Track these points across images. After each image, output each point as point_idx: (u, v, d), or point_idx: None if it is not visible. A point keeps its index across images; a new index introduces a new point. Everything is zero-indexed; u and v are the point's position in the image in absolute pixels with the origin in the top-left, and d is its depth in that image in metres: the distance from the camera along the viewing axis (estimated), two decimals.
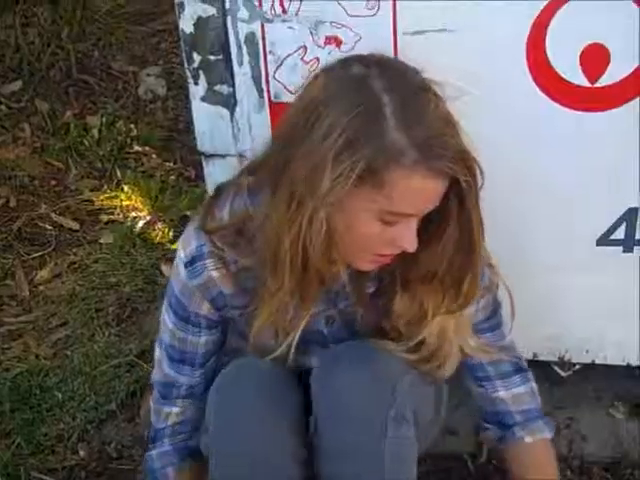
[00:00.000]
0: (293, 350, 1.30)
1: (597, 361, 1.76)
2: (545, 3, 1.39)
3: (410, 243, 1.17)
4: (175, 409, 1.47)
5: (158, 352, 1.47)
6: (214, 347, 1.43)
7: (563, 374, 1.79)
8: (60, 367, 2.01)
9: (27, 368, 2.02)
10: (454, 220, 1.19)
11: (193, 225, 1.31)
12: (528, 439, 1.47)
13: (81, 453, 1.83)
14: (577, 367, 1.78)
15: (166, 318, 1.40)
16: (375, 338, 1.35)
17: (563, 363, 1.78)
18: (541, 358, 1.77)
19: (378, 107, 1.09)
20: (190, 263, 1.30)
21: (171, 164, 2.74)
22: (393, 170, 1.09)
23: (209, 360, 1.44)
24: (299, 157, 1.12)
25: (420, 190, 1.12)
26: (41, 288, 2.30)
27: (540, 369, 1.79)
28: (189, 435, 1.49)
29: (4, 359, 2.06)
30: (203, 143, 1.62)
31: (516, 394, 1.47)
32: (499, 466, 1.73)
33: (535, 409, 1.49)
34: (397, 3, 1.40)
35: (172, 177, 2.67)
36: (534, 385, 1.51)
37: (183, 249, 1.31)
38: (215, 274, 1.30)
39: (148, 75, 3.14)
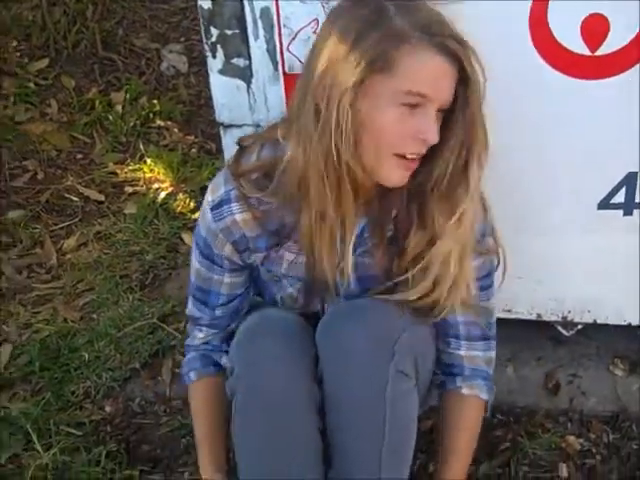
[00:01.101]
0: (349, 266, 1.37)
1: (599, 321, 1.81)
2: None
3: (432, 131, 1.24)
4: (200, 334, 1.58)
5: (190, 292, 1.57)
6: (238, 289, 1.52)
7: (566, 334, 1.85)
8: (87, 329, 2.11)
9: (56, 330, 2.11)
10: (461, 116, 1.26)
11: (224, 171, 1.40)
12: (464, 391, 1.51)
13: (107, 409, 1.93)
14: (579, 327, 1.84)
15: (193, 259, 1.50)
16: (382, 291, 1.42)
17: (566, 323, 1.84)
18: (545, 318, 1.84)
19: (384, 7, 1.22)
20: (217, 206, 1.39)
21: (192, 138, 2.82)
22: (401, 49, 1.20)
23: (233, 300, 1.53)
24: (319, 67, 1.23)
25: (430, 66, 1.21)
26: (68, 256, 2.39)
27: (544, 329, 1.87)
28: (212, 349, 1.58)
29: (34, 322, 2.16)
30: (221, 114, 1.69)
31: (473, 355, 1.52)
32: (503, 420, 1.82)
33: (484, 371, 1.53)
34: None
35: (193, 150, 2.75)
36: (493, 355, 1.55)
37: (212, 193, 1.40)
38: (239, 217, 1.38)
39: (170, 52, 3.21)
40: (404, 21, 1.21)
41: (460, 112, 1.26)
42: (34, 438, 1.82)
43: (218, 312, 1.54)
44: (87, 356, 2.03)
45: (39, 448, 1.80)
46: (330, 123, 1.22)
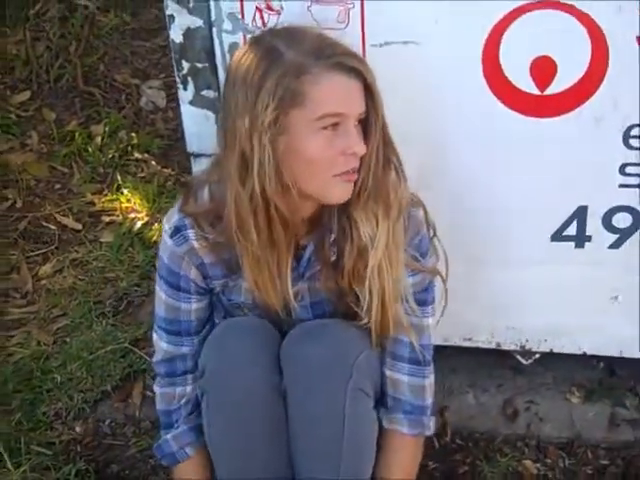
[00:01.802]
0: (292, 298, 1.44)
1: (555, 350, 1.88)
2: (498, 18, 1.53)
3: (357, 144, 1.33)
4: (188, 387, 1.57)
5: (155, 335, 1.59)
6: (205, 315, 1.56)
7: (525, 362, 1.92)
8: (60, 352, 2.15)
9: (29, 353, 2.15)
10: (372, 123, 1.35)
11: (177, 206, 1.47)
12: (384, 424, 1.53)
13: (77, 429, 1.97)
14: (537, 356, 1.91)
15: (159, 292, 1.54)
16: (337, 315, 1.50)
17: (524, 352, 1.91)
18: (504, 347, 1.90)
19: (274, 47, 1.30)
20: (174, 233, 1.46)
21: (169, 170, 2.89)
22: (303, 80, 1.28)
23: (204, 327, 1.57)
24: (235, 113, 1.31)
25: (334, 87, 1.30)
26: (44, 282, 2.44)
27: (503, 358, 1.94)
28: (199, 413, 1.54)
29: (8, 345, 2.20)
30: (192, 144, 1.76)
31: (397, 380, 1.53)
32: (462, 444, 1.88)
33: (407, 402, 1.53)
34: (365, 17, 1.55)
35: (169, 182, 2.82)
36: (425, 382, 1.54)
37: (167, 222, 1.47)
38: (196, 244, 1.45)
39: (150, 87, 3.29)
40: (296, 53, 1.29)
41: (372, 120, 1.35)
42: (5, 457, 1.85)
43: (196, 340, 1.55)
44: (59, 378, 2.07)
45: (10, 466, 1.83)
46: (253, 164, 1.29)
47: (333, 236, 1.44)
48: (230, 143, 1.33)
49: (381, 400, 1.55)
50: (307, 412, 1.42)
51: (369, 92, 1.34)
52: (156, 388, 1.61)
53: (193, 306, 1.54)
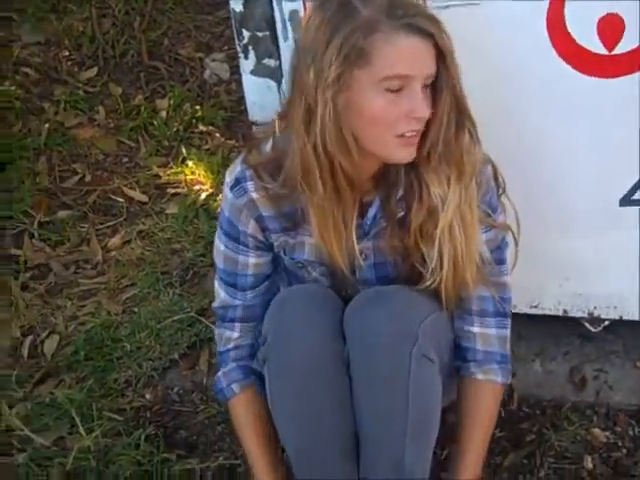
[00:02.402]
0: (357, 253, 1.44)
1: (625, 317, 1.84)
2: None
3: (421, 108, 1.31)
4: (235, 334, 1.60)
5: (216, 283, 1.61)
6: (264, 270, 1.57)
7: (593, 330, 1.88)
8: (129, 322, 2.20)
9: (100, 322, 2.21)
10: (444, 86, 1.32)
11: (239, 158, 1.49)
12: (479, 376, 1.54)
13: (147, 396, 2.02)
14: (606, 323, 1.87)
15: (218, 243, 1.56)
16: (400, 277, 1.49)
17: (592, 319, 1.87)
18: (571, 314, 1.87)
19: (349, 3, 1.28)
20: (235, 185, 1.47)
21: (233, 142, 2.90)
22: (372, 39, 1.27)
23: (261, 284, 1.57)
24: (302, 66, 1.31)
25: (403, 48, 1.28)
26: (113, 253, 2.49)
27: (571, 325, 1.91)
28: (251, 358, 1.59)
29: (79, 315, 2.26)
30: (253, 113, 1.77)
31: (486, 334, 1.54)
32: (529, 412, 1.86)
33: (498, 353, 1.55)
34: None
35: (233, 154, 2.83)
36: (507, 333, 1.57)
37: (229, 175, 1.49)
38: (255, 195, 1.46)
39: (213, 60, 3.31)
40: (369, 10, 1.27)
41: (443, 83, 1.32)
42: (78, 422, 1.91)
43: (249, 295, 1.57)
44: (129, 347, 2.12)
45: (82, 431, 1.90)
46: (316, 118, 1.30)
47: (400, 192, 1.43)
48: (297, 94, 1.34)
49: (461, 355, 1.56)
50: (372, 378, 1.41)
51: (441, 55, 1.31)
52: (215, 329, 1.66)
53: (251, 260, 1.54)
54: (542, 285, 1.85)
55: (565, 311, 1.88)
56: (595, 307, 1.86)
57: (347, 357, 1.44)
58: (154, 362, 2.08)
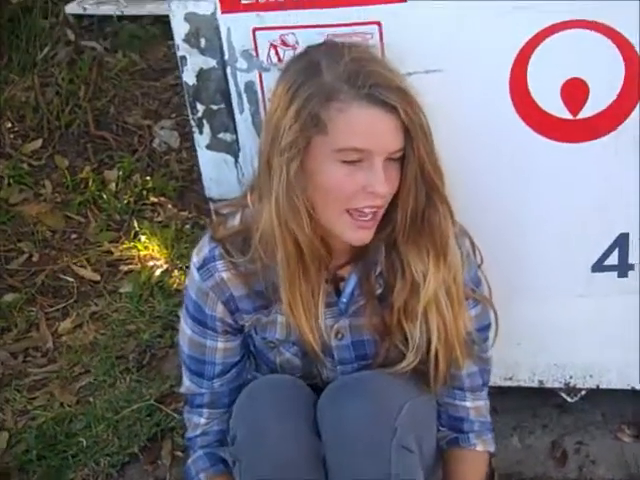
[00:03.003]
0: (323, 333, 1.37)
1: (601, 386, 1.79)
2: (526, 40, 1.45)
3: (378, 184, 1.24)
4: (202, 419, 1.51)
5: (183, 367, 1.52)
6: (233, 357, 1.48)
7: (570, 400, 1.82)
8: (84, 414, 2.08)
9: (52, 416, 2.08)
10: (410, 162, 1.26)
11: (207, 235, 1.41)
12: (479, 447, 1.52)
13: None
14: (583, 392, 1.81)
15: (184, 326, 1.47)
16: (379, 356, 1.42)
17: (569, 389, 1.81)
18: (547, 385, 1.81)
19: (316, 64, 1.24)
20: (202, 265, 1.39)
21: (186, 213, 2.82)
22: (329, 107, 1.21)
23: (229, 371, 1.48)
24: (265, 133, 1.28)
25: (360, 121, 1.21)
26: (64, 338, 2.37)
27: (547, 396, 1.85)
28: (219, 444, 1.51)
29: (30, 408, 2.13)
30: (210, 189, 1.70)
31: (478, 406, 1.53)
32: None
33: (490, 422, 1.55)
34: (384, 48, 1.47)
35: (187, 226, 2.75)
36: (488, 401, 1.56)
37: (196, 254, 1.41)
38: (226, 275, 1.38)
39: (162, 128, 3.23)
40: (331, 75, 1.22)
41: (410, 157, 1.26)
42: None
43: (217, 384, 1.48)
44: (85, 442, 1.99)
45: None
46: (272, 184, 1.25)
47: (379, 268, 1.37)
48: (262, 163, 1.29)
49: (454, 426, 1.52)
50: (349, 474, 1.32)
51: (406, 128, 1.24)
52: (183, 412, 1.58)
53: (219, 345, 1.46)
54: (515, 356, 1.79)
55: (541, 382, 1.82)
56: (571, 377, 1.80)
57: (322, 453, 1.36)
58: (112, 457, 1.96)
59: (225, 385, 1.49)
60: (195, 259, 1.41)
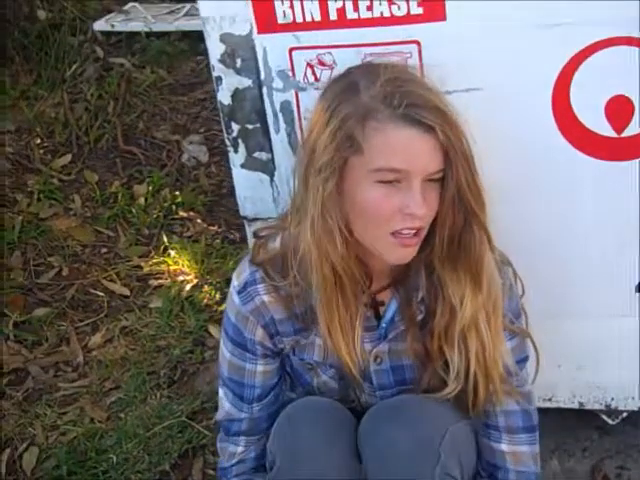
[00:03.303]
0: (359, 357, 1.34)
1: None
2: (569, 58, 1.43)
3: (415, 205, 1.21)
4: (239, 448, 1.48)
5: (221, 391, 1.50)
6: (272, 379, 1.45)
7: (611, 422, 1.79)
8: (114, 430, 2.06)
9: (83, 432, 2.07)
10: (448, 184, 1.23)
11: (246, 258, 1.39)
12: None
13: None
14: (625, 415, 1.77)
15: (224, 350, 1.45)
16: (419, 382, 1.39)
17: (610, 411, 1.78)
18: (587, 407, 1.77)
19: (354, 84, 1.22)
20: (243, 289, 1.37)
21: (216, 228, 2.82)
22: (366, 127, 1.19)
23: (268, 394, 1.46)
24: (304, 152, 1.26)
25: (397, 141, 1.19)
26: (94, 353, 2.36)
27: (587, 418, 1.82)
28: (254, 471, 1.48)
29: (61, 424, 2.11)
30: (245, 208, 1.69)
31: (518, 452, 1.43)
32: None
33: (532, 473, 1.44)
34: (424, 66, 1.45)
35: (217, 241, 2.74)
36: (537, 449, 1.46)
37: (237, 278, 1.39)
38: (267, 298, 1.36)
39: (191, 143, 3.24)
40: (369, 94, 1.20)
41: (448, 179, 1.23)
42: None
43: (256, 408, 1.46)
44: (115, 458, 1.98)
45: None
46: (310, 206, 1.23)
47: (421, 294, 1.34)
48: (298, 179, 1.28)
49: (491, 474, 1.44)
50: None
51: (445, 149, 1.22)
52: (217, 443, 1.54)
53: (259, 368, 1.43)
54: (555, 377, 1.75)
55: (581, 404, 1.78)
56: (612, 398, 1.76)
57: (364, 478, 1.32)
58: (143, 475, 1.94)
59: (264, 409, 1.46)
60: (235, 282, 1.39)
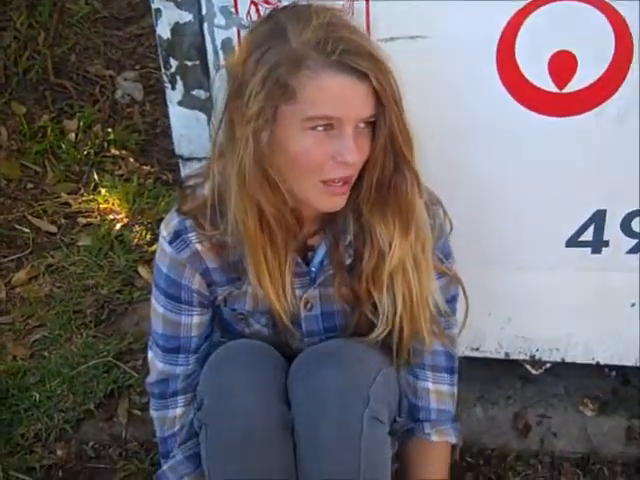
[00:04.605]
0: (289, 303, 1.33)
1: (567, 359, 1.79)
2: (515, 10, 1.42)
3: (349, 151, 1.19)
4: (178, 410, 1.44)
5: (150, 353, 1.46)
6: (206, 330, 1.43)
7: (535, 372, 1.83)
8: (38, 368, 2.02)
9: (4, 369, 2.02)
10: (380, 129, 1.22)
11: (174, 208, 1.35)
12: (434, 438, 1.45)
13: (59, 453, 1.84)
14: (548, 365, 1.82)
15: (156, 306, 1.41)
16: (348, 328, 1.39)
17: (534, 362, 1.82)
18: (513, 357, 1.81)
19: (283, 28, 1.18)
20: (174, 238, 1.33)
21: (148, 168, 2.75)
22: (297, 75, 1.16)
23: (202, 345, 1.43)
24: (229, 98, 1.22)
25: (330, 88, 1.17)
26: (18, 290, 2.29)
27: (512, 368, 1.85)
28: (197, 440, 1.41)
29: None
30: (181, 147, 1.64)
31: (440, 391, 1.47)
32: (473, 462, 1.78)
33: (450, 412, 1.48)
34: (370, 12, 1.43)
35: (149, 181, 2.68)
36: (455, 391, 1.50)
37: (165, 228, 1.35)
38: (199, 247, 1.33)
39: (125, 79, 3.14)
40: (299, 41, 1.17)
41: (380, 125, 1.22)
42: None
43: (192, 360, 1.42)
44: (38, 396, 1.94)
45: None
46: (237, 155, 1.20)
47: (349, 238, 1.34)
48: (225, 129, 1.24)
49: (412, 414, 1.47)
50: (319, 444, 1.30)
51: (377, 94, 1.20)
52: (152, 412, 1.49)
53: (195, 320, 1.41)
54: (483, 327, 1.78)
55: (507, 354, 1.82)
56: (537, 349, 1.81)
57: (292, 422, 1.33)
58: (66, 413, 1.90)
59: (198, 362, 1.43)
60: (164, 232, 1.35)
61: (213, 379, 1.36)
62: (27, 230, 2.51)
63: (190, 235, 1.32)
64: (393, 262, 1.31)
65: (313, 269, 1.37)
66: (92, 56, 3.28)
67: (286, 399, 1.34)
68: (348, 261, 1.35)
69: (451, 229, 1.44)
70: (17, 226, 2.53)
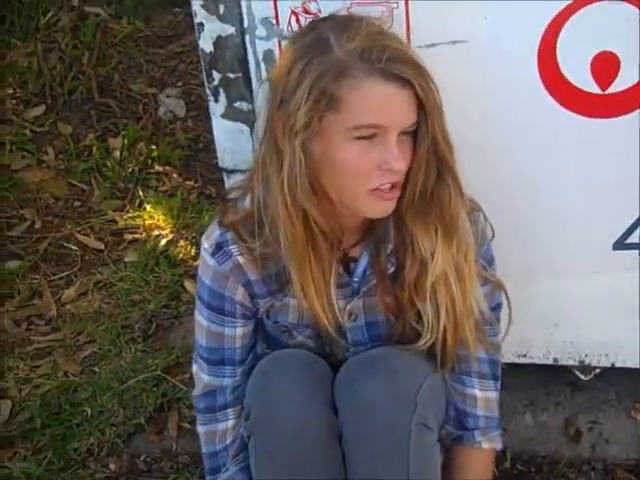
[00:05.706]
0: (337, 313, 1.34)
1: (617, 364, 1.77)
2: (557, 11, 1.41)
3: (394, 160, 1.20)
4: (230, 422, 1.44)
5: (195, 366, 1.47)
6: (250, 341, 1.44)
7: (584, 378, 1.80)
8: (89, 383, 2.05)
9: (57, 385, 2.05)
10: (423, 137, 1.22)
11: (215, 220, 1.37)
12: (485, 445, 1.46)
13: (111, 467, 1.86)
14: (597, 371, 1.79)
15: (199, 319, 1.42)
16: (393, 337, 1.39)
17: (584, 367, 1.79)
18: (562, 363, 1.79)
19: (325, 38, 1.19)
20: (217, 250, 1.34)
21: (192, 183, 2.78)
22: (341, 84, 1.17)
23: (248, 356, 1.44)
24: (273, 109, 1.23)
25: (374, 96, 1.18)
26: (68, 307, 2.33)
27: (561, 374, 1.83)
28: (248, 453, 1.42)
29: (34, 377, 2.10)
30: (224, 159, 1.66)
31: (488, 398, 1.47)
32: (524, 470, 1.75)
33: (497, 418, 1.49)
34: (410, 18, 1.43)
35: (193, 196, 2.71)
36: (499, 398, 1.51)
37: (206, 240, 1.36)
38: (241, 259, 1.34)
39: (167, 96, 3.18)
40: (342, 50, 1.17)
41: (422, 133, 1.22)
42: None
43: (238, 371, 1.43)
44: (90, 411, 1.97)
45: None
46: (284, 168, 1.20)
47: (390, 247, 1.34)
48: (269, 140, 1.24)
49: (460, 421, 1.47)
50: (370, 452, 1.30)
51: (420, 102, 1.21)
52: (199, 428, 1.49)
53: (238, 332, 1.41)
54: (530, 333, 1.76)
55: (555, 360, 1.79)
56: (586, 355, 1.78)
57: (340, 430, 1.33)
58: (118, 428, 1.93)
59: (245, 374, 1.43)
60: (206, 245, 1.36)
61: (260, 389, 1.37)
62: (75, 248, 2.55)
63: (232, 247, 1.33)
64: (436, 272, 1.31)
65: (356, 279, 1.37)
66: (135, 75, 3.33)
67: (333, 407, 1.34)
68: (391, 270, 1.35)
69: (493, 235, 1.43)
70: (65, 244, 2.57)
